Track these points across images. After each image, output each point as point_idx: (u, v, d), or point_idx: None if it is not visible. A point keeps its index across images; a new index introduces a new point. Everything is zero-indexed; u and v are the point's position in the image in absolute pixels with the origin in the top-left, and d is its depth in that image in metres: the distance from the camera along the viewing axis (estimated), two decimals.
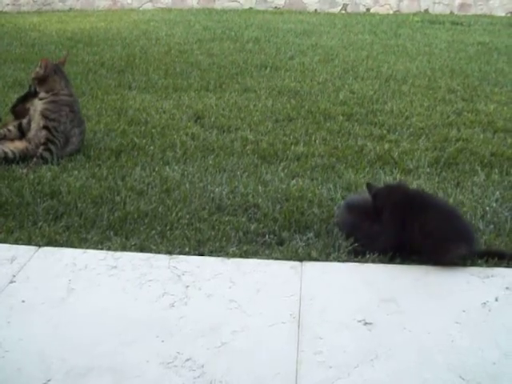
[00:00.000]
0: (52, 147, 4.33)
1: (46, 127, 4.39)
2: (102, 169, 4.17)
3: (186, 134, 4.87)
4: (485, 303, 2.84)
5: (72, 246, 3.27)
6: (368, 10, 13.60)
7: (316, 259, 3.15)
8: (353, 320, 2.69)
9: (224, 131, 4.99)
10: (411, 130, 5.09)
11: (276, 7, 13.54)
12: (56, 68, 4.56)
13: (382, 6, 13.62)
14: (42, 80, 4.52)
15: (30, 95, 4.68)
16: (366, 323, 2.67)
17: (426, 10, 13.56)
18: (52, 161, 4.28)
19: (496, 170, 4.27)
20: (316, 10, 13.49)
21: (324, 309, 2.77)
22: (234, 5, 13.46)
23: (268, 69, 7.17)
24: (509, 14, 13.54)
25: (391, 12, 13.49)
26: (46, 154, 4.30)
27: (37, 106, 4.50)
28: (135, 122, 5.16)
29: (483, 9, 13.62)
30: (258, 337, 2.59)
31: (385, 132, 5.03)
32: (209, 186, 3.90)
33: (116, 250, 3.23)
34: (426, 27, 11.19)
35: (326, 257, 3.17)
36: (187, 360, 2.45)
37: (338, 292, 2.91)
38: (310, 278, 2.99)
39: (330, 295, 2.88)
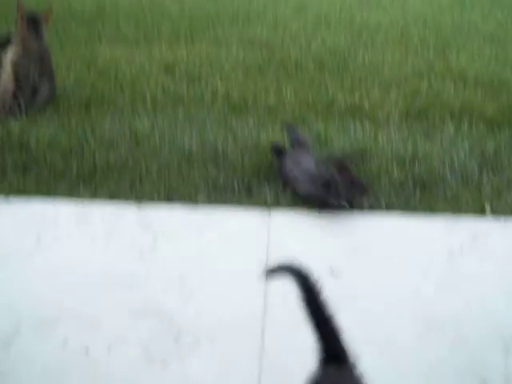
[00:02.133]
0: (20, 99, 4.28)
1: (15, 77, 4.33)
2: (72, 121, 4.12)
3: (157, 86, 4.82)
4: (450, 252, 2.89)
5: (41, 198, 3.25)
6: None
7: (284, 207, 3.18)
8: (320, 268, 2.70)
9: (194, 82, 4.93)
10: (382, 81, 5.09)
11: None
12: (30, 19, 4.48)
13: None
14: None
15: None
16: (332, 271, 2.71)
17: None
18: (20, 113, 4.23)
19: (465, 122, 4.29)
20: None
21: (292, 256, 2.78)
22: None
23: (240, 20, 7.08)
24: None
25: None
26: (14, 106, 4.25)
27: (8, 54, 4.44)
28: (105, 74, 5.07)
29: None
30: (226, 285, 2.62)
31: (356, 83, 5.03)
32: (178, 137, 3.88)
33: (85, 201, 3.22)
34: None
35: (294, 205, 3.20)
36: (156, 309, 2.47)
37: (306, 240, 2.93)
38: (278, 226, 3.02)
39: (298, 243, 2.90)
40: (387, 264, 2.79)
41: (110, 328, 2.38)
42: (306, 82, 5.01)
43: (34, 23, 4.49)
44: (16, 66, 4.36)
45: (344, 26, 6.99)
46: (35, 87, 4.38)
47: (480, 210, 3.24)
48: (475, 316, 2.49)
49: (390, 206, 3.21)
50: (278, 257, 2.77)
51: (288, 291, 2.53)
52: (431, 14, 7.87)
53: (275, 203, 3.20)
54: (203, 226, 3.01)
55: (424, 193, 3.36)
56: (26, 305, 2.49)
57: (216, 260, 2.77)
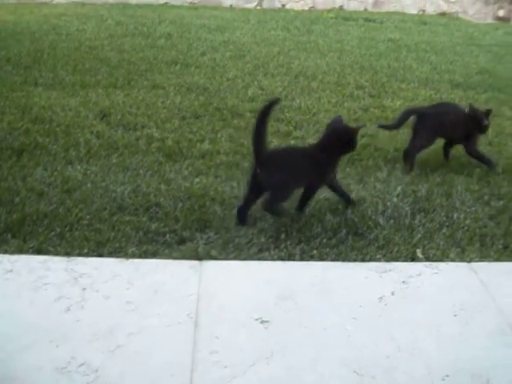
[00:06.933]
0: None
1: None
2: (3, 169, 4.06)
3: (91, 133, 4.78)
4: (381, 298, 2.90)
5: None
6: (283, 5, 13.65)
7: (216, 258, 3.16)
8: (250, 318, 2.70)
9: (130, 129, 4.93)
10: (318, 126, 5.14)
11: (191, 2, 13.43)
12: None
13: (298, 1, 13.69)
14: None
15: None
16: (262, 321, 2.69)
17: (341, 7, 13.71)
18: None
19: (399, 166, 4.37)
20: (231, 5, 13.44)
21: (222, 308, 2.77)
22: None
23: (178, 65, 7.12)
24: (420, 12, 13.86)
25: (306, 8, 13.58)
26: None
27: None
28: (39, 121, 5.03)
29: (396, 6, 13.89)
30: (153, 338, 2.57)
31: (291, 128, 5.08)
32: (111, 186, 3.85)
33: (13, 253, 3.15)
34: (340, 24, 11.32)
35: (225, 255, 3.18)
36: (81, 365, 2.41)
37: (237, 290, 2.92)
38: (208, 277, 2.99)
39: (229, 294, 2.88)
40: (318, 312, 2.78)
41: None
42: (241, 128, 5.04)
43: None
44: None
45: (281, 71, 7.09)
46: None
47: (412, 254, 3.27)
48: (406, 361, 2.49)
49: (322, 254, 3.22)
50: (208, 308, 2.76)
51: (216, 346, 2.54)
52: (368, 59, 8.05)
53: (206, 254, 3.19)
54: (132, 279, 2.96)
55: (356, 239, 3.38)
56: None
57: (144, 313, 2.72)
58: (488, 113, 4.45)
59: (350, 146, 3.66)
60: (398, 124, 4.60)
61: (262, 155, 3.49)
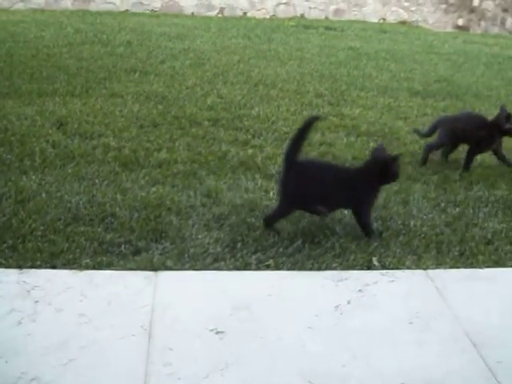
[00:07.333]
0: None
1: None
2: None
3: (47, 142, 4.70)
4: (337, 306, 2.90)
5: None
6: (245, 13, 13.69)
7: (171, 268, 3.12)
8: (205, 329, 2.67)
9: (86, 138, 4.85)
10: (276, 134, 5.14)
11: (152, 10, 13.40)
12: None
13: (259, 10, 13.74)
14: None
15: None
16: (217, 332, 2.66)
17: (302, 15, 13.80)
18: None
19: None
20: (193, 13, 13.44)
21: (176, 319, 2.74)
22: (109, 7, 13.17)
23: (137, 73, 7.06)
24: (381, 21, 14.00)
25: (268, 16, 13.64)
26: None
27: None
28: None
29: (357, 15, 14.03)
30: (106, 351, 2.53)
31: (250, 137, 5.06)
32: (66, 196, 3.78)
33: None
34: (300, 32, 11.37)
35: (181, 265, 3.15)
36: (32, 380, 2.35)
37: (192, 301, 2.88)
38: (163, 288, 2.96)
39: (183, 305, 2.85)
40: (274, 321, 2.77)
41: None
42: (199, 136, 5.01)
43: None
44: None
45: (241, 79, 7.08)
46: None
47: (368, 263, 3.28)
48: (362, 370, 2.49)
49: (278, 263, 3.21)
50: (162, 319, 2.73)
51: (170, 357, 2.51)
52: (328, 68, 8.09)
53: (161, 264, 3.15)
54: (86, 290, 2.91)
55: (313, 247, 3.37)
56: None
57: (98, 325, 2.67)
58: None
59: (388, 175, 3.58)
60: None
61: (293, 161, 3.45)
